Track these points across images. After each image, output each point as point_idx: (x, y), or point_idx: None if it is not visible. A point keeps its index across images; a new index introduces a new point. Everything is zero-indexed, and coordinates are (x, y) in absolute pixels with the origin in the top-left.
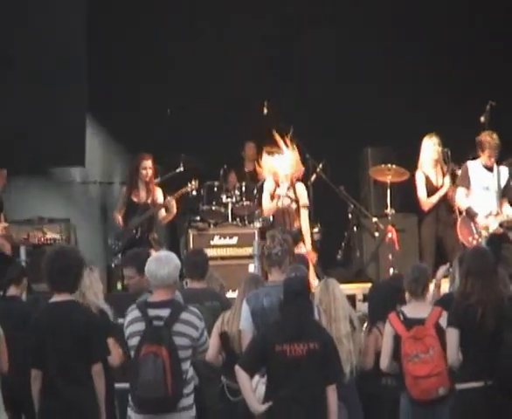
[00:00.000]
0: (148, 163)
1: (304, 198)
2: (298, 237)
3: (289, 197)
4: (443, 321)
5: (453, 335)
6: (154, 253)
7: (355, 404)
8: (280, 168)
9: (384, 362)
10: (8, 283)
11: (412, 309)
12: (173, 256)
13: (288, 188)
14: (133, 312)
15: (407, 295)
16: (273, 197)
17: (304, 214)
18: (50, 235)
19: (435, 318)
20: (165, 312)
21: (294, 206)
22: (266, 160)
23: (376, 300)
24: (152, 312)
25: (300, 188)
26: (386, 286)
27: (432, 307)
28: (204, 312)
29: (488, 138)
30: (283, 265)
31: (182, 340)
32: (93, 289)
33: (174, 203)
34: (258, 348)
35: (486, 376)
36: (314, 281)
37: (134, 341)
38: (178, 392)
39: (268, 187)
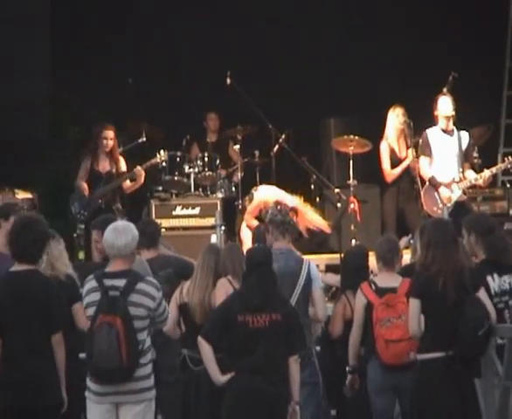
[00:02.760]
0: (110, 134)
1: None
2: None
3: None
4: None
5: (414, 306)
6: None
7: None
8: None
9: (357, 332)
10: None
11: (384, 279)
12: (131, 226)
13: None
14: (90, 283)
15: (378, 265)
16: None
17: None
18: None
19: (406, 287)
20: (121, 283)
21: None
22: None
23: (348, 269)
24: (108, 283)
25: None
26: (358, 255)
27: (403, 278)
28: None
29: (440, 95)
30: (288, 236)
31: (138, 310)
32: (62, 259)
33: (143, 173)
34: (220, 319)
35: (447, 346)
36: None
37: (90, 311)
38: (134, 362)
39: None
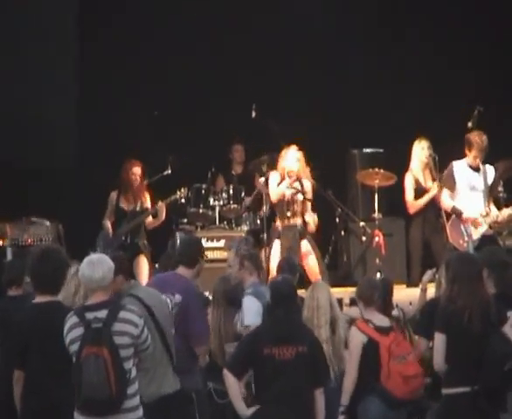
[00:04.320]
0: (138, 170)
1: (309, 192)
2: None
3: (295, 188)
4: None
5: (439, 340)
6: (88, 258)
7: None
8: (287, 163)
9: (355, 371)
10: (9, 283)
11: (377, 318)
12: (105, 258)
13: (294, 181)
14: (71, 319)
15: (360, 306)
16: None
17: (308, 206)
18: (37, 235)
19: (397, 327)
20: (103, 314)
21: (300, 197)
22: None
23: None
24: (90, 316)
25: (306, 183)
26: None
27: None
28: None
29: (477, 139)
30: None
31: (122, 338)
32: (78, 293)
33: (164, 209)
34: (246, 351)
35: (472, 381)
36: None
37: (75, 347)
38: (122, 392)
39: (274, 178)
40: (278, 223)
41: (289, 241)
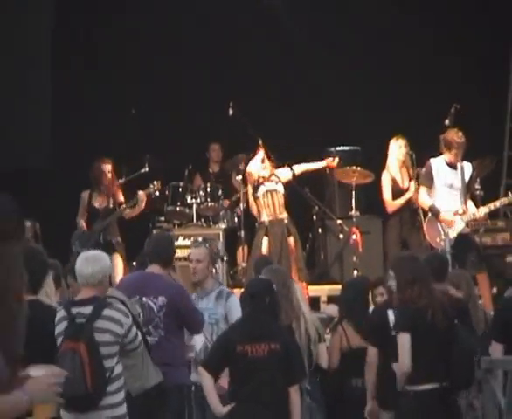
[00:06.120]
0: (108, 167)
1: (287, 177)
2: None
3: (273, 180)
4: None
5: (405, 340)
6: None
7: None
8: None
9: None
10: None
11: None
12: (102, 255)
13: (270, 176)
14: (59, 312)
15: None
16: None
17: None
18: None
19: None
20: (88, 310)
21: (280, 187)
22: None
23: (345, 300)
24: (74, 310)
25: (281, 172)
26: (356, 286)
27: None
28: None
29: (455, 137)
30: None
31: (104, 336)
32: (44, 289)
33: (144, 198)
34: (221, 349)
35: (441, 377)
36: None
37: (59, 341)
38: (100, 389)
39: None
40: (264, 218)
41: (278, 240)
